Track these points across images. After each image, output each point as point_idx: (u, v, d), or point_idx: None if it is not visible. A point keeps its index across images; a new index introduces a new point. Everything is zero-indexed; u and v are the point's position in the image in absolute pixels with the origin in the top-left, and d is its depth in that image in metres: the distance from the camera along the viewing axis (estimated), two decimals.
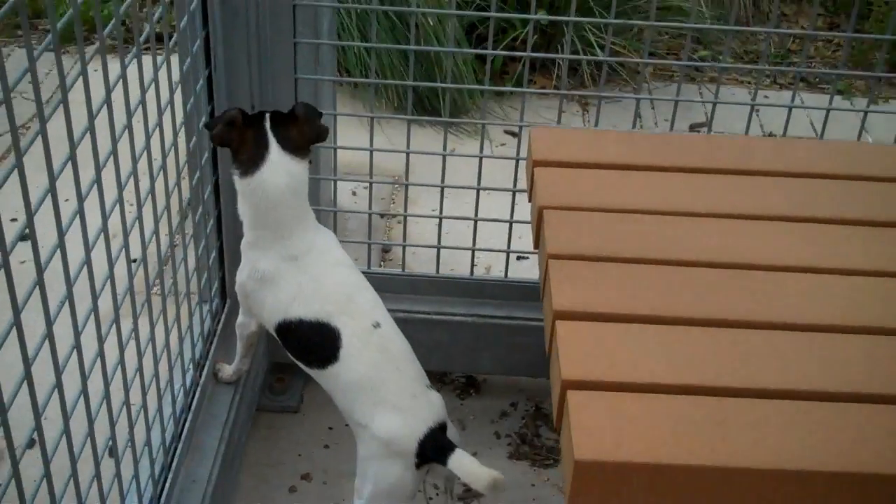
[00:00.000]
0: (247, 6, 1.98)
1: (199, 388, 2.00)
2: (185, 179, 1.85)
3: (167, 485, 1.80)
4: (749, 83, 4.24)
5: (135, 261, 1.56)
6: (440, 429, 1.77)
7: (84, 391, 1.38)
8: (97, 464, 1.46)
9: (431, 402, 1.79)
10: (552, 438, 2.36)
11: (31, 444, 1.27)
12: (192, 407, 1.96)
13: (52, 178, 1.18)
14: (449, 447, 1.73)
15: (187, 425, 1.91)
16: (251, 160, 1.74)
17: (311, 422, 2.37)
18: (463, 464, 1.70)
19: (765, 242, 1.72)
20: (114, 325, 1.48)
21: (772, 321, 1.52)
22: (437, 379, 2.46)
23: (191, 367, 2.00)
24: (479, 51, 2.84)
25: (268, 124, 1.75)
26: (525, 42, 2.73)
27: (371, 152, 2.27)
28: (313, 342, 1.78)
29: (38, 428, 1.23)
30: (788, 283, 1.62)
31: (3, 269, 1.06)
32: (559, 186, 1.85)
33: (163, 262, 1.84)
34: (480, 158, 2.27)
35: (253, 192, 1.75)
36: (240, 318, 1.97)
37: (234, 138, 1.74)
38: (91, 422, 1.43)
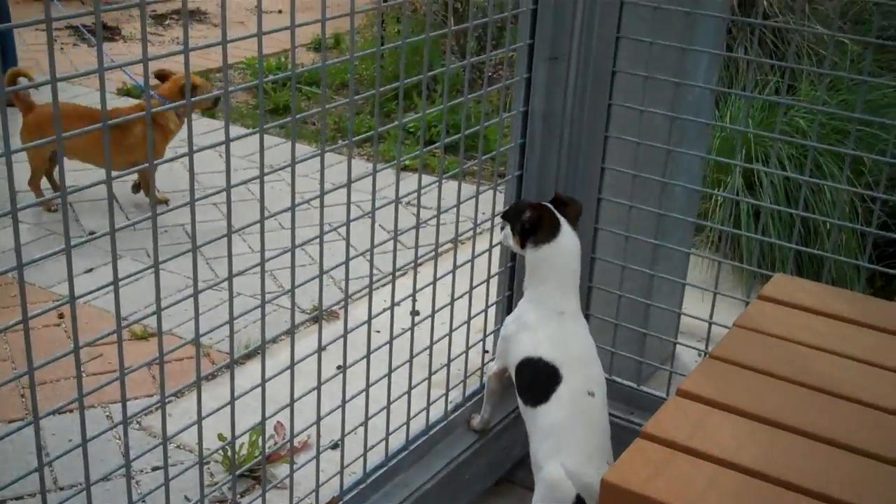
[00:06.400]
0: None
1: (445, 423, 2.39)
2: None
3: (380, 474, 2.21)
4: None
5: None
6: None
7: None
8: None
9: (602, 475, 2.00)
10: None
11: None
12: (430, 434, 2.35)
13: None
14: None
15: (418, 442, 2.31)
16: (550, 232, 2.21)
17: None
18: None
19: None
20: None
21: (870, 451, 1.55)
22: None
23: (445, 402, 2.40)
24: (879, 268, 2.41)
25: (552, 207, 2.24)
26: None
27: (710, 325, 2.48)
28: (539, 379, 2.13)
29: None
30: None
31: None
32: (769, 317, 1.98)
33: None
34: None
35: (550, 255, 2.21)
36: (490, 365, 2.36)
37: (536, 218, 2.22)
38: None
